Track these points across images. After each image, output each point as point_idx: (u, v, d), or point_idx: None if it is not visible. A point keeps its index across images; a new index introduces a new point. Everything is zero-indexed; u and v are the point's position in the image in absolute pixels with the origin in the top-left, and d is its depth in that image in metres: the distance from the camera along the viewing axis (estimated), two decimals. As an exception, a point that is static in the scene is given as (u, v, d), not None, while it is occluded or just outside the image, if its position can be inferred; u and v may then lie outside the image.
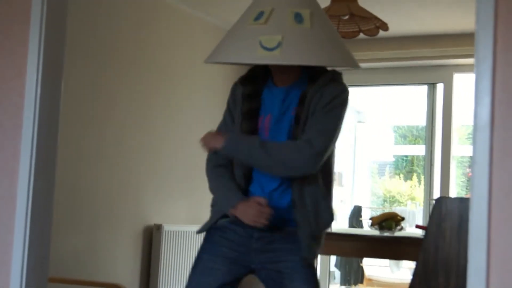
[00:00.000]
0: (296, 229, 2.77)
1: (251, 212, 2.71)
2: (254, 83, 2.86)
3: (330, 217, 2.85)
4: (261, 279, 2.86)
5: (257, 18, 2.68)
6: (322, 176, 2.80)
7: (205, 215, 6.29)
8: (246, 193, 2.83)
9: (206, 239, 2.93)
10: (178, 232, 5.94)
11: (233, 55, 2.76)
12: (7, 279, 3.17)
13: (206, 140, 2.83)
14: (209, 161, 2.95)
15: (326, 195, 2.82)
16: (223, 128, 2.94)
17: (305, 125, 2.72)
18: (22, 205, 3.17)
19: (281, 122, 2.80)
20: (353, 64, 2.80)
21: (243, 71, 2.97)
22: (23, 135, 3.22)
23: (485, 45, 2.49)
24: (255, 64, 2.81)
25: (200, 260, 2.91)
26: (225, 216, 2.87)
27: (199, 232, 2.97)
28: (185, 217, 6.18)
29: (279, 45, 2.60)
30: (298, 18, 2.67)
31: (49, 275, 3.35)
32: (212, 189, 2.94)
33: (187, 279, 2.93)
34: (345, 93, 2.79)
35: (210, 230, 2.93)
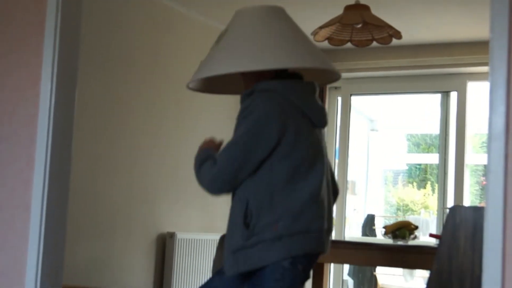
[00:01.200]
0: None
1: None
2: None
3: (241, 233, 2.74)
4: None
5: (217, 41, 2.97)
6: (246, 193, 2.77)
7: (218, 223, 6.33)
8: None
9: None
10: (191, 240, 5.93)
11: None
12: (22, 286, 3.18)
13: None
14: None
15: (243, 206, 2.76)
16: None
17: None
18: (36, 214, 3.18)
19: None
20: (247, 67, 2.84)
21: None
22: (38, 144, 3.23)
23: (499, 54, 2.48)
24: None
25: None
26: None
27: None
28: (198, 226, 6.18)
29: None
30: (219, 37, 2.93)
31: (63, 283, 3.35)
32: None
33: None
34: (252, 105, 2.77)
35: None
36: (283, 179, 2.73)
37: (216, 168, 2.72)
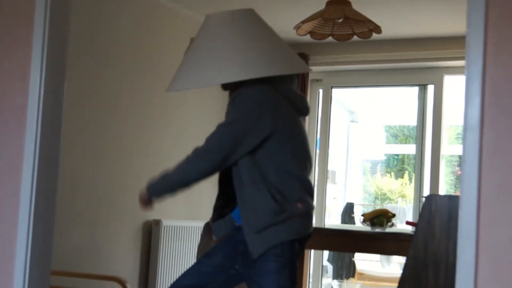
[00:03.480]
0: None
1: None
2: None
3: (268, 205, 2.79)
4: (246, 283, 2.95)
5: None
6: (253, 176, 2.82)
7: (202, 211, 6.33)
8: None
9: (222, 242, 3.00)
10: (176, 227, 5.94)
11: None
12: (12, 272, 3.17)
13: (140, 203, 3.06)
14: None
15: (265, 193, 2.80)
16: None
17: None
18: (25, 202, 3.17)
19: None
20: (204, 84, 2.92)
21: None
22: (27, 134, 3.21)
23: (475, 48, 2.49)
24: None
25: (210, 249, 3.00)
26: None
27: (217, 238, 3.05)
28: (183, 213, 6.18)
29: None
30: (192, 42, 2.96)
31: (52, 269, 3.35)
32: None
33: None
34: (244, 93, 2.82)
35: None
36: (287, 163, 2.82)
37: (204, 146, 2.82)
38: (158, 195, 2.92)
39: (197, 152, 2.83)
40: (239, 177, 2.82)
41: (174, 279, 5.71)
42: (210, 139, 2.80)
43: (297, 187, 2.84)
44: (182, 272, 5.96)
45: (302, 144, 2.90)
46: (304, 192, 2.85)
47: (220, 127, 2.80)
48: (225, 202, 2.99)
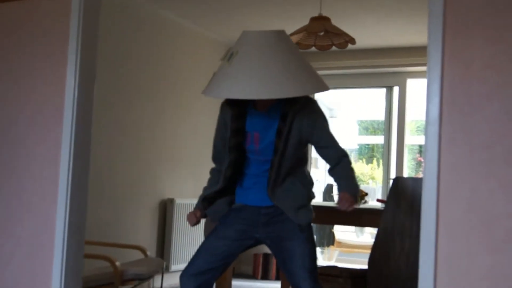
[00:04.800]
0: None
1: (188, 217, 2.89)
2: (238, 106, 2.81)
3: (306, 189, 2.84)
4: (267, 245, 2.87)
5: (226, 57, 2.70)
6: (297, 163, 2.82)
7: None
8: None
9: (223, 217, 2.89)
10: (188, 204, 5.93)
11: (207, 90, 2.72)
12: (52, 242, 3.17)
13: (187, 220, 2.91)
14: (212, 160, 3.00)
15: (303, 176, 2.83)
16: (220, 143, 2.90)
17: (286, 138, 2.74)
18: (63, 182, 3.17)
19: (266, 137, 2.79)
20: (258, 95, 2.60)
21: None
22: (64, 127, 3.21)
23: (435, 56, 2.50)
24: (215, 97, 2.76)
25: (215, 229, 2.88)
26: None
27: (214, 220, 2.92)
28: (192, 193, 6.18)
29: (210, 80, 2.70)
30: (229, 56, 2.65)
31: (85, 239, 3.35)
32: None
33: (202, 243, 2.90)
34: (321, 111, 2.86)
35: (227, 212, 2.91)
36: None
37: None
38: (357, 197, 2.82)
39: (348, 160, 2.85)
40: (283, 168, 2.77)
41: (185, 248, 5.68)
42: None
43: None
44: (192, 242, 5.97)
45: None
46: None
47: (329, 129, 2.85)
48: (227, 186, 2.89)
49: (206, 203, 2.89)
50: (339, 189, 2.82)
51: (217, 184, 2.89)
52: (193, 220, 2.87)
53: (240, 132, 2.80)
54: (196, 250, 2.87)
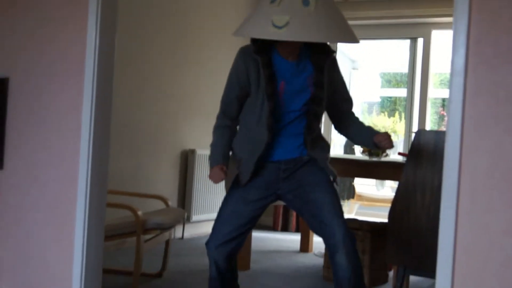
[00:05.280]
0: (310, 158, 2.81)
1: (212, 173, 2.78)
2: (265, 53, 2.76)
3: (327, 145, 2.91)
4: (287, 201, 2.83)
5: (272, 1, 2.58)
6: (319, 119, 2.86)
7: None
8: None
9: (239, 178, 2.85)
10: (208, 155, 5.96)
11: (252, 31, 2.65)
12: (75, 190, 3.21)
13: (213, 178, 2.79)
14: (217, 118, 2.91)
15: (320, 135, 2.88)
16: (237, 95, 2.84)
17: (324, 89, 2.77)
18: (85, 134, 3.19)
19: (296, 87, 2.76)
20: (351, 40, 2.71)
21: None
22: (86, 77, 3.21)
23: (462, 4, 2.44)
24: (268, 39, 2.66)
25: (235, 193, 2.82)
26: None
27: (243, 183, 2.82)
28: (213, 144, 6.21)
29: (286, 24, 2.52)
30: (305, 2, 2.56)
31: (108, 189, 3.38)
32: (211, 144, 2.91)
33: (221, 204, 2.86)
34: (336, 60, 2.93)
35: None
36: None
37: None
38: None
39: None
40: (317, 118, 2.83)
41: (206, 198, 5.73)
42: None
43: None
44: (213, 192, 6.02)
45: None
46: None
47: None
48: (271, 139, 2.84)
49: (226, 159, 2.86)
50: (374, 133, 2.84)
51: (247, 142, 2.82)
52: (222, 177, 2.77)
53: (273, 79, 2.73)
54: (217, 211, 2.85)
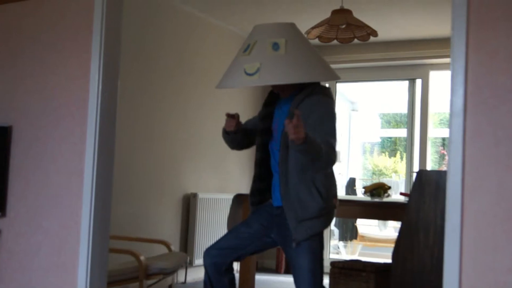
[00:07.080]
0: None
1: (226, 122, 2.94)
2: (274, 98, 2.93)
3: (316, 202, 2.68)
4: (281, 247, 2.90)
5: (245, 50, 2.69)
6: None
7: (232, 185, 6.32)
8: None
9: (252, 212, 2.97)
10: (210, 199, 5.95)
11: (228, 82, 2.75)
12: (78, 236, 3.20)
13: (226, 124, 2.95)
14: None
15: (311, 185, 2.68)
16: (250, 120, 3.08)
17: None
18: (88, 179, 3.19)
19: (280, 126, 2.81)
20: (326, 78, 2.72)
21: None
22: (88, 122, 3.23)
23: (459, 47, 2.46)
24: (242, 86, 2.82)
25: (246, 219, 2.97)
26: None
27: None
28: (215, 187, 6.20)
29: (257, 70, 2.59)
30: (275, 47, 2.64)
31: (110, 233, 3.37)
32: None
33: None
34: (332, 107, 2.75)
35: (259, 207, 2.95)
36: None
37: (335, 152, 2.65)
38: (305, 145, 2.45)
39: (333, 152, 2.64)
40: (286, 164, 2.68)
41: (209, 242, 5.72)
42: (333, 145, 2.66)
43: (335, 183, 2.81)
44: (215, 236, 5.98)
45: None
46: (336, 187, 2.85)
47: (333, 136, 2.65)
48: (267, 185, 2.90)
49: (257, 199, 2.90)
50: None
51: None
52: (233, 123, 2.90)
53: (268, 118, 2.90)
54: None
